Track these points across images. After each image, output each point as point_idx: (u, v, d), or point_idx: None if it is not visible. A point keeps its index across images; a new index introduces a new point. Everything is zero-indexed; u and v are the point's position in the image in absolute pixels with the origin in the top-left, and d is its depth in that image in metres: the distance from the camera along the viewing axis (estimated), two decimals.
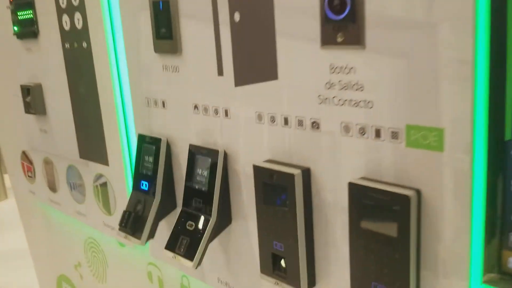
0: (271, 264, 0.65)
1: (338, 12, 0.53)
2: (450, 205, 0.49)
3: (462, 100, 0.46)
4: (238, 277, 0.76)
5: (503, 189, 0.42)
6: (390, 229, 0.52)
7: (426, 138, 0.50)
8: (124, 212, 0.80)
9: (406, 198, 0.50)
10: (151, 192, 0.79)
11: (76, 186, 1.05)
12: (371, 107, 0.54)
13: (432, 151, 0.50)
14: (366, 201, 0.54)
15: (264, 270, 0.66)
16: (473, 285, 0.47)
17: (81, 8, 0.88)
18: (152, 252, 0.90)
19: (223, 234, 0.74)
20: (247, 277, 0.74)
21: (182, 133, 0.78)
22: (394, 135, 0.53)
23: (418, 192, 0.51)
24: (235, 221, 0.73)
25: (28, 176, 1.24)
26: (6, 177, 1.80)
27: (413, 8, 0.48)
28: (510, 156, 0.41)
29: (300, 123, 0.61)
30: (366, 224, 0.54)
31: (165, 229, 0.83)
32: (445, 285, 0.51)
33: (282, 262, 0.64)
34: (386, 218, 0.52)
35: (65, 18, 0.92)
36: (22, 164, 1.25)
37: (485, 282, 0.44)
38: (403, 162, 0.52)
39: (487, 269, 0.44)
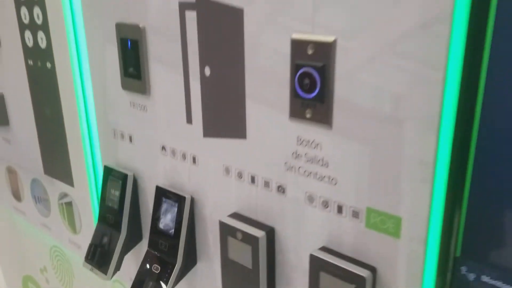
0: None
1: (308, 91, 0.53)
2: (402, 287, 0.52)
3: (421, 197, 0.48)
4: None
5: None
6: None
7: (384, 223, 0.52)
8: (90, 245, 0.80)
9: (361, 278, 0.53)
10: (117, 226, 0.79)
11: (41, 200, 1.04)
12: (335, 184, 0.55)
13: (390, 236, 0.52)
14: (325, 273, 0.56)
15: None
16: None
17: (45, 27, 0.84)
18: (118, 276, 0.91)
19: (189, 275, 0.76)
20: None
21: (149, 170, 0.78)
22: (355, 214, 0.54)
23: (374, 270, 0.54)
24: (200, 262, 0.75)
25: None
26: None
27: (381, 101, 0.49)
28: (459, 272, 0.43)
29: (267, 184, 0.62)
30: None
31: (131, 259, 0.84)
32: None
33: None
34: None
35: (28, 34, 0.89)
36: None
37: None
38: (362, 241, 0.55)
39: None
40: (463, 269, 0.43)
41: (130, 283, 0.97)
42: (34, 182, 1.04)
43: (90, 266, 0.80)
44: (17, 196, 1.13)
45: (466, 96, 0.43)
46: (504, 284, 0.40)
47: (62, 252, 1.13)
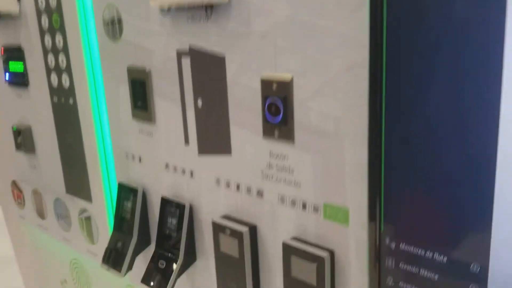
0: None
1: (274, 116, 0.70)
2: (354, 265, 0.68)
3: (361, 192, 0.64)
4: None
5: (379, 262, 0.60)
6: (311, 279, 0.70)
7: (337, 214, 0.68)
8: (106, 249, 0.96)
9: (321, 258, 0.68)
10: (129, 232, 0.95)
11: (62, 216, 1.20)
12: (299, 186, 0.71)
13: (341, 224, 0.68)
14: (294, 257, 0.72)
15: None
16: None
17: (68, 70, 1.03)
18: (131, 278, 1.07)
19: (189, 269, 0.91)
20: None
21: (156, 185, 0.94)
22: (315, 209, 0.70)
23: (332, 253, 0.69)
24: (199, 259, 0.91)
25: (18, 202, 1.38)
26: None
27: (326, 122, 0.65)
28: (385, 242, 0.59)
29: (249, 190, 0.78)
30: (295, 274, 0.72)
31: (141, 260, 1.00)
32: None
33: None
34: (308, 271, 0.70)
35: (53, 76, 1.07)
36: (13, 191, 1.39)
37: None
38: (322, 229, 0.70)
39: None
40: (387, 240, 0.59)
41: (141, 287, 1.12)
42: (57, 201, 1.21)
43: (106, 267, 0.96)
44: (41, 214, 1.29)
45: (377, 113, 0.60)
46: (416, 248, 0.56)
47: (80, 264, 1.29)
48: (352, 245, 0.67)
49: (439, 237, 0.54)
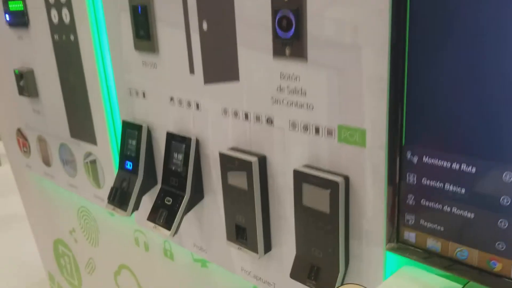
0: (234, 233, 0.79)
1: (286, 31, 0.64)
2: (370, 189, 0.63)
3: (379, 108, 0.59)
4: (210, 242, 0.90)
5: (399, 180, 0.55)
6: (324, 206, 0.66)
7: (353, 136, 0.63)
8: (112, 188, 0.93)
9: (336, 184, 0.64)
10: (134, 171, 0.91)
11: (68, 162, 1.17)
12: (312, 109, 0.66)
13: (358, 146, 0.63)
14: (306, 184, 0.67)
15: (229, 238, 0.80)
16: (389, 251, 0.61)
17: (68, 5, 0.97)
18: (137, 221, 1.04)
19: (196, 207, 0.87)
20: (217, 242, 0.88)
21: (161, 120, 0.90)
22: (329, 132, 0.65)
23: (347, 178, 0.65)
24: (206, 196, 0.87)
25: (24, 151, 1.35)
26: (0, 144, 1.89)
27: (342, 32, 0.59)
28: (405, 157, 0.54)
29: (258, 118, 0.73)
30: (306, 202, 0.68)
31: (147, 202, 0.96)
32: (368, 251, 0.65)
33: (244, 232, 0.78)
34: (321, 198, 0.66)
35: (54, 12, 1.02)
36: (18, 140, 1.36)
37: (388, 249, 0.58)
38: (336, 154, 0.65)
39: (390, 240, 0.58)
40: (408, 155, 0.54)
41: (151, 233, 1.10)
42: (62, 146, 1.18)
43: (112, 206, 0.93)
44: (46, 162, 1.27)
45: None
46: (439, 160, 0.51)
47: (88, 212, 1.26)
48: (369, 168, 0.62)
49: (468, 146, 0.49)
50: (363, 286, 0.53)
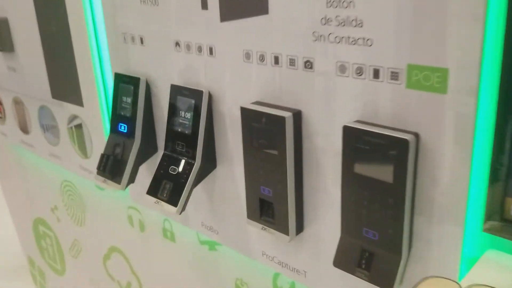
0: (258, 209, 0.63)
1: None
2: (449, 150, 0.47)
3: (471, 39, 0.43)
4: (223, 221, 0.74)
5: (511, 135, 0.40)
6: (385, 174, 0.50)
7: (428, 79, 0.47)
8: (102, 155, 0.76)
9: (404, 142, 0.48)
10: (130, 134, 0.75)
11: (49, 127, 1.00)
12: (370, 45, 0.50)
13: (434, 93, 0.47)
14: (361, 145, 0.51)
15: (251, 215, 0.65)
16: (469, 232, 0.46)
17: None
18: (133, 196, 0.88)
19: (207, 179, 0.71)
20: (231, 221, 0.72)
21: (163, 72, 0.73)
22: (394, 76, 0.49)
23: (417, 136, 0.49)
24: (220, 166, 0.71)
25: None
26: None
27: None
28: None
29: (292, 62, 0.57)
30: (360, 169, 0.52)
31: (145, 173, 0.80)
32: (439, 231, 0.50)
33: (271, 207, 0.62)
34: (381, 163, 0.50)
35: None
36: None
37: (486, 230, 0.43)
38: (402, 105, 0.50)
39: (488, 216, 0.42)
40: None
41: (147, 210, 0.93)
42: (42, 109, 1.00)
43: (102, 178, 0.76)
44: (24, 128, 1.09)
45: None
46: None
47: (73, 186, 1.10)
48: (451, 121, 0.46)
49: None
50: (457, 282, 0.38)
